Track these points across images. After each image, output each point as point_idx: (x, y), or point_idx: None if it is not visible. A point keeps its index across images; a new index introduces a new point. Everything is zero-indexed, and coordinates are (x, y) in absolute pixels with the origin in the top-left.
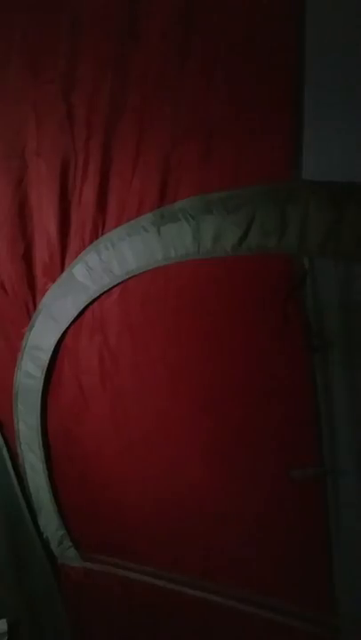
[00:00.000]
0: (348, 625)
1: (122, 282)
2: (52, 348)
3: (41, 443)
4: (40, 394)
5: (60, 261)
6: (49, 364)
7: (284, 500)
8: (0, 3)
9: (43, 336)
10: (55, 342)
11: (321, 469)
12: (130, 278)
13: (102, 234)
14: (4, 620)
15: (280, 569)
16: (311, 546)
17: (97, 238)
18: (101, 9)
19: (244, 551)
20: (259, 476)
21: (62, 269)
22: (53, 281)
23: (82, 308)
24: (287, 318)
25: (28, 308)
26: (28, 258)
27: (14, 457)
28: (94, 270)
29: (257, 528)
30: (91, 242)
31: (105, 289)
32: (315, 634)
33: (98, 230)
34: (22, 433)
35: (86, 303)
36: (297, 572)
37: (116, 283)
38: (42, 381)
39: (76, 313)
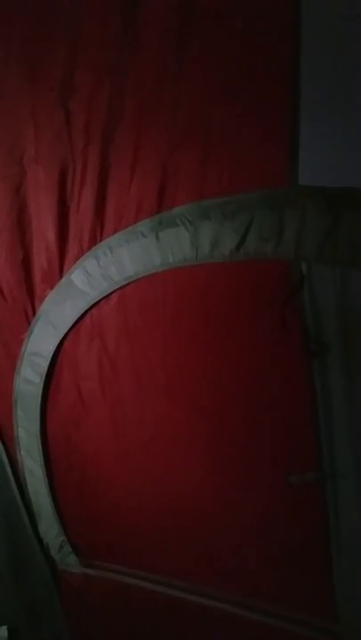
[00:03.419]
0: (349, 630)
1: (120, 287)
2: (51, 354)
3: (41, 449)
4: (39, 400)
5: (59, 267)
6: (48, 370)
7: (283, 504)
8: None
9: (42, 342)
10: (54, 348)
11: (320, 474)
12: (128, 284)
13: (101, 240)
14: (5, 627)
15: (280, 574)
16: (311, 551)
17: (95, 244)
18: (98, 16)
19: (244, 557)
20: (258, 480)
21: (61, 275)
22: (52, 287)
23: (80, 313)
24: (285, 323)
25: (27, 314)
26: (26, 264)
27: (14, 463)
28: (93, 276)
29: (256, 533)
30: (89, 248)
31: (103, 295)
32: (315, 639)
33: (96, 236)
34: (22, 439)
35: (85, 309)
36: (297, 578)
37: (114, 288)
38: (41, 387)
39: (74, 319)
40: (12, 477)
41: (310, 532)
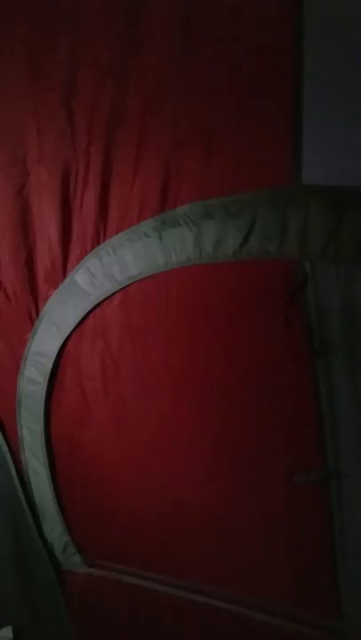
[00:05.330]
0: (354, 629)
1: (123, 287)
2: (55, 355)
3: (45, 449)
4: (43, 400)
5: (62, 268)
6: (52, 371)
7: (287, 503)
8: (1, 11)
9: (45, 342)
10: (58, 348)
11: (324, 473)
12: (131, 284)
13: (104, 240)
14: (10, 627)
15: (285, 574)
16: (315, 550)
17: (98, 244)
18: (101, 16)
19: (248, 556)
20: (262, 480)
21: (64, 275)
22: (55, 287)
23: (84, 313)
24: (289, 322)
25: (31, 314)
26: (30, 264)
27: (18, 463)
28: (96, 276)
29: (261, 533)
30: (92, 248)
31: (106, 295)
32: (319, 639)
33: (99, 236)
34: (26, 439)
35: (88, 309)
36: (302, 577)
37: (117, 288)
38: (45, 387)
39: (78, 319)
40: (16, 477)
41: (315, 532)
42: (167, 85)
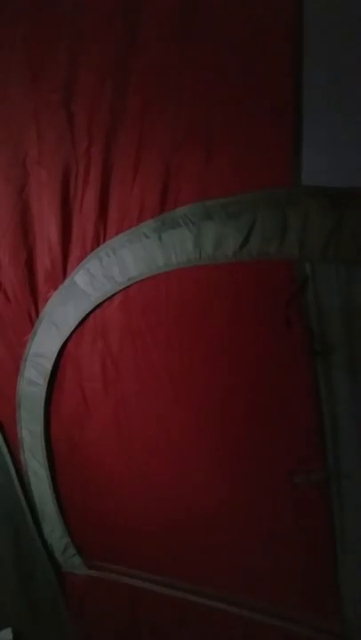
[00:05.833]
0: (353, 630)
1: (123, 288)
2: (55, 356)
3: (44, 450)
4: (43, 401)
5: (62, 269)
6: (51, 372)
7: (288, 505)
8: (1, 13)
9: (45, 343)
10: (57, 349)
11: (325, 474)
12: (131, 285)
13: (104, 241)
14: (10, 629)
15: (285, 574)
16: (316, 551)
17: (98, 245)
18: (100, 17)
19: (248, 557)
20: (262, 481)
21: (64, 276)
22: (55, 288)
23: (84, 314)
24: (289, 323)
25: (31, 315)
26: (30, 265)
27: (18, 464)
28: (96, 277)
29: (261, 534)
30: (92, 249)
31: (107, 296)
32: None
33: (99, 237)
34: (25, 440)
35: (88, 310)
36: (302, 578)
37: (117, 289)
38: (45, 389)
39: (78, 320)
40: (15, 479)
41: (315, 532)
42: (167, 86)
